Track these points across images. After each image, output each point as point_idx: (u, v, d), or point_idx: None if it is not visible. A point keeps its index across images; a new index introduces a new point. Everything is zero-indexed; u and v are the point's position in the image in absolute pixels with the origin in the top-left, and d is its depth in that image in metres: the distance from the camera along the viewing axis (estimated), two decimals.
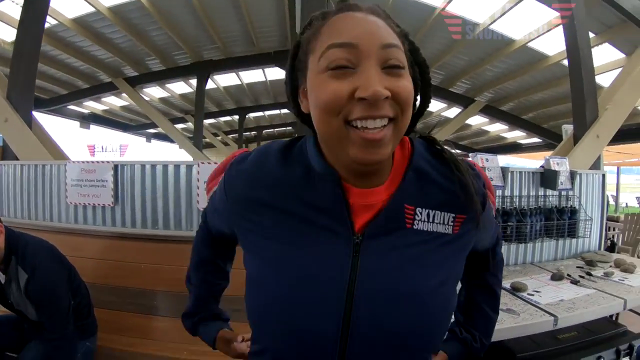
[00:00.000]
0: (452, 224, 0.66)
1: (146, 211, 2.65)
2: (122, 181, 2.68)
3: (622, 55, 5.85)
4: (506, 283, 2.19)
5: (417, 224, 0.64)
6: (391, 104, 0.55)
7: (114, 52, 8.05)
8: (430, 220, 0.65)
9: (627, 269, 2.49)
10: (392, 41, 0.57)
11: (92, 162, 2.72)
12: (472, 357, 0.91)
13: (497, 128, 12.96)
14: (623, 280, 2.30)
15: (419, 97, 0.68)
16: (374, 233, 0.63)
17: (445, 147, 0.70)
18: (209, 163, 2.54)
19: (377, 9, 0.61)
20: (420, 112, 0.70)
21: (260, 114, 14.88)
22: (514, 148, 13.90)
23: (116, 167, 2.67)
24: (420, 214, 0.64)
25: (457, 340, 0.92)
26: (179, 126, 12.85)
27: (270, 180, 0.67)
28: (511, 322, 1.70)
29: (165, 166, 2.62)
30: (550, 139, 9.97)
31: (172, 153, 16.47)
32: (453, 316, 0.81)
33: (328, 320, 0.61)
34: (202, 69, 9.06)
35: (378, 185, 0.65)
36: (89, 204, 2.71)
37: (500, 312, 1.73)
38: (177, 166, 2.61)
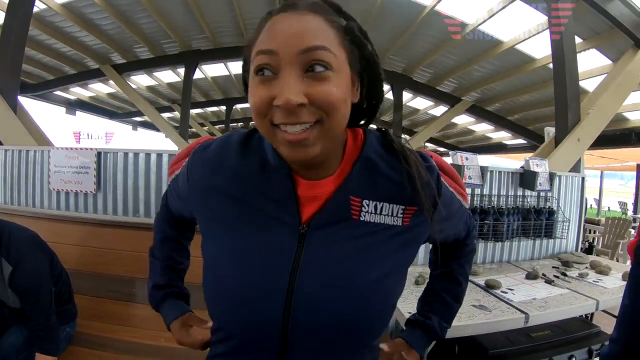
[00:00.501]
0: (401, 216, 0.67)
1: (128, 199, 2.65)
2: (105, 168, 2.67)
3: (608, 62, 5.94)
4: (481, 280, 2.25)
5: (364, 216, 0.66)
6: (311, 109, 0.56)
7: (102, 38, 7.95)
8: (378, 212, 0.66)
9: (602, 271, 2.54)
10: (312, 44, 0.56)
11: (76, 148, 2.70)
12: (431, 340, 0.94)
13: (482, 128, 13.05)
14: (597, 282, 2.34)
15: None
16: (319, 224, 0.66)
17: (399, 138, 0.70)
18: None
19: (318, 6, 0.60)
20: (372, 107, 0.71)
21: (247, 105, 14.70)
22: (499, 148, 14.03)
23: (99, 155, 2.66)
24: (367, 205, 0.66)
25: (415, 326, 0.94)
26: (166, 115, 12.74)
27: (229, 170, 0.69)
28: (482, 317, 1.73)
29: (148, 154, 2.62)
30: (535, 141, 10.06)
31: (158, 142, 16.37)
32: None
33: (272, 306, 0.63)
34: (191, 58, 8.99)
35: (326, 176, 0.67)
36: (71, 190, 2.70)
37: (472, 307, 1.79)
38: (159, 155, 2.62)
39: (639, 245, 1.04)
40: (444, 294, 0.93)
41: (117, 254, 2.36)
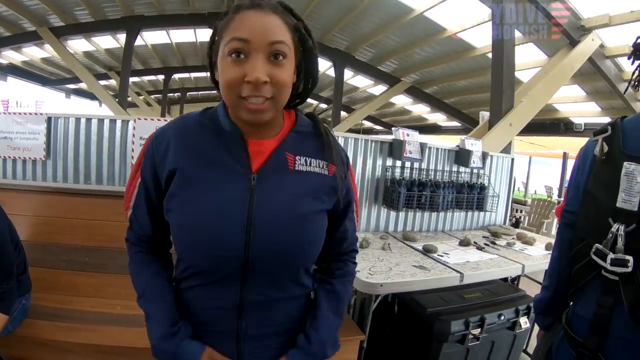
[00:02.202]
0: (326, 168, 0.91)
1: (79, 166, 2.61)
2: (56, 134, 2.60)
3: (544, 56, 6.29)
4: (419, 245, 2.46)
5: (298, 167, 0.88)
6: (270, 87, 0.76)
7: None
8: (308, 164, 0.89)
9: (528, 242, 2.82)
10: (277, 39, 0.76)
11: (25, 113, 2.60)
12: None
13: (419, 109, 13.36)
14: (523, 250, 2.61)
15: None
16: (265, 173, 0.85)
17: (326, 125, 0.97)
18: (145, 119, 2.52)
19: (278, 7, 0.80)
20: (304, 93, 0.94)
21: (186, 75, 14.40)
22: (434, 129, 14.34)
23: (50, 120, 2.58)
24: (299, 160, 0.88)
25: (298, 349, 0.94)
26: (102, 82, 11.95)
27: (192, 137, 0.87)
28: (422, 276, 1.91)
29: (101, 120, 2.58)
30: (469, 124, 10.45)
31: (93, 110, 15.37)
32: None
33: (236, 238, 0.81)
34: (133, 24, 8.46)
35: (269, 138, 0.88)
36: (19, 157, 2.60)
37: (413, 267, 1.99)
38: (113, 121, 2.59)
39: (564, 208, 1.22)
40: (330, 313, 0.97)
41: (69, 223, 2.30)
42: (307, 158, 0.89)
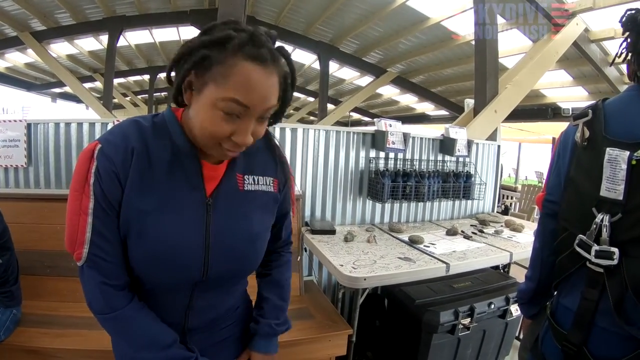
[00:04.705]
0: (272, 184, 0.96)
1: (61, 171, 2.58)
2: (36, 140, 2.58)
3: (528, 42, 6.30)
4: (404, 236, 2.45)
5: (247, 186, 0.92)
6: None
7: (21, 3, 7.18)
8: (256, 182, 0.93)
9: (516, 229, 2.82)
10: (272, 104, 0.78)
11: (4, 121, 2.57)
12: (270, 338, 1.08)
13: (407, 99, 13.40)
14: (511, 237, 2.60)
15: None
16: (218, 196, 0.88)
17: (270, 133, 0.98)
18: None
19: (278, 59, 0.77)
20: (275, 120, 0.92)
21: (172, 74, 14.31)
22: (422, 119, 14.39)
23: (29, 126, 2.56)
24: (248, 179, 0.92)
25: (257, 335, 1.06)
26: (87, 85, 11.84)
27: (149, 154, 0.81)
28: (407, 267, 1.90)
29: (80, 124, 2.54)
30: (457, 112, 10.20)
31: (79, 114, 15.24)
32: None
33: (197, 257, 0.85)
34: (115, 25, 8.37)
35: (220, 162, 0.89)
36: (1, 165, 2.58)
37: (398, 259, 1.98)
38: (92, 124, 2.55)
39: (545, 198, 1.19)
40: (273, 297, 1.10)
41: (52, 229, 2.25)
42: (255, 177, 0.93)
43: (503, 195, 7.94)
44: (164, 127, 0.84)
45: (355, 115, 16.50)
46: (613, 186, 0.93)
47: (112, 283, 0.81)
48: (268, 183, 0.95)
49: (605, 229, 0.93)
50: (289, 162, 1.06)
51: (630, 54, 1.02)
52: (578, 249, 0.98)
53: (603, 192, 0.94)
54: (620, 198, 0.91)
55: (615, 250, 0.91)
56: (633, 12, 1.00)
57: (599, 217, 0.94)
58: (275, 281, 1.12)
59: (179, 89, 0.80)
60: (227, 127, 0.75)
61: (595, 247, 0.94)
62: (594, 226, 0.95)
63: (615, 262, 0.91)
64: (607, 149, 0.94)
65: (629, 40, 1.02)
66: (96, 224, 0.78)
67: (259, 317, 1.06)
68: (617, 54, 1.08)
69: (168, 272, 0.83)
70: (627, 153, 0.90)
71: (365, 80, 11.43)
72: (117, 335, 0.88)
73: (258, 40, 0.74)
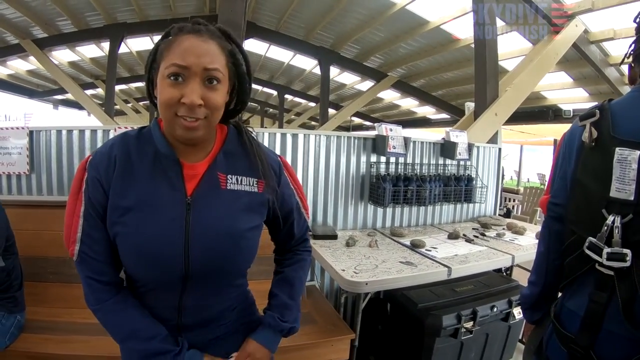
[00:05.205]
0: (256, 185, 0.96)
1: (63, 178, 2.59)
2: (39, 147, 2.59)
3: (528, 44, 6.29)
4: (406, 241, 2.45)
5: (230, 185, 0.94)
6: (203, 109, 0.83)
7: (22, 11, 7.22)
8: (239, 183, 0.95)
9: (518, 231, 2.82)
10: (212, 66, 0.82)
11: (7, 128, 2.59)
12: (275, 333, 1.07)
13: (408, 103, 13.36)
14: (513, 240, 2.59)
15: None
16: (198, 195, 0.90)
17: (249, 132, 1.02)
18: (125, 127, 2.50)
19: (216, 32, 0.88)
20: (237, 110, 1.00)
21: None
22: (423, 122, 14.36)
23: (32, 133, 2.58)
24: (231, 179, 0.94)
25: (260, 325, 1.07)
26: (89, 92, 11.86)
27: (130, 163, 0.89)
28: (409, 272, 1.90)
29: (82, 131, 2.56)
30: (458, 116, 10.12)
31: (81, 120, 15.32)
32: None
33: (176, 255, 0.87)
34: (116, 32, 8.41)
35: (200, 160, 0.93)
36: (3, 172, 2.59)
37: (400, 264, 1.98)
38: (93, 131, 2.57)
39: (550, 201, 1.17)
40: (281, 294, 1.10)
41: (55, 235, 2.26)
42: (238, 177, 0.95)
43: (505, 198, 7.95)
44: (148, 134, 0.93)
45: (357, 120, 16.50)
46: (623, 186, 0.91)
47: (98, 278, 0.91)
48: (251, 184, 0.96)
49: (617, 231, 0.92)
50: (290, 164, 1.09)
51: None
52: (588, 252, 0.97)
53: (613, 193, 0.93)
54: (631, 198, 0.90)
55: (628, 251, 0.90)
56: None
57: (610, 218, 0.93)
58: (285, 278, 1.12)
59: (149, 90, 0.92)
60: (176, 91, 0.81)
61: (607, 250, 0.92)
62: (605, 228, 0.93)
63: (627, 263, 0.89)
64: (617, 148, 0.92)
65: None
66: (85, 226, 0.89)
67: (266, 310, 1.09)
68: (626, 54, 1.07)
69: (152, 269, 0.88)
70: (638, 152, 0.89)
71: (366, 84, 11.43)
72: (104, 326, 0.94)
73: (195, 23, 0.87)
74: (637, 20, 1.02)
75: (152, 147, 0.91)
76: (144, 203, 0.87)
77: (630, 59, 1.05)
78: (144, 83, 0.93)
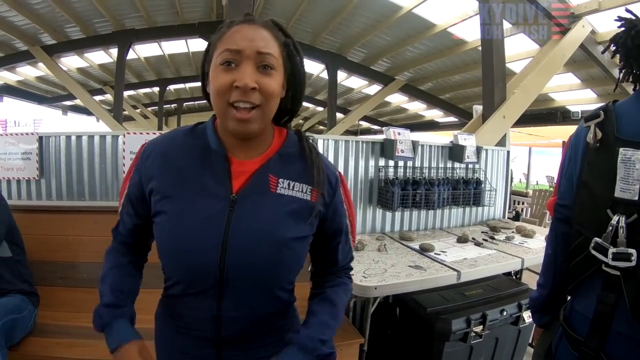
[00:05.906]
0: (309, 193, 0.90)
1: (72, 183, 2.61)
2: (48, 153, 2.61)
3: (535, 46, 6.24)
4: (415, 245, 2.44)
5: (280, 190, 0.88)
6: (257, 94, 0.79)
7: (32, 18, 7.28)
8: (291, 188, 0.89)
9: (527, 234, 2.80)
10: (266, 50, 0.80)
11: (17, 134, 2.62)
12: (307, 354, 0.89)
13: (415, 106, 13.34)
14: (523, 243, 2.58)
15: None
16: (245, 194, 0.86)
17: (309, 140, 0.96)
18: (134, 133, 2.52)
19: (269, 23, 0.85)
20: (293, 108, 0.96)
21: (181, 85, 14.49)
22: (431, 126, 14.35)
23: (41, 139, 2.59)
24: (283, 182, 0.88)
25: (291, 344, 0.90)
26: (98, 98, 11.96)
27: (176, 154, 0.90)
28: (418, 276, 1.90)
29: (91, 137, 2.58)
30: (466, 119, 10.06)
31: (90, 126, 15.39)
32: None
33: (211, 256, 0.84)
34: (124, 38, 8.46)
35: (252, 158, 0.89)
36: (13, 178, 2.62)
37: (409, 268, 1.97)
38: (102, 137, 2.59)
39: (557, 202, 1.17)
40: (322, 313, 0.95)
41: (64, 240, 2.30)
42: (290, 181, 0.89)
43: (514, 201, 7.89)
44: (202, 130, 0.93)
45: (365, 124, 16.49)
46: (627, 186, 0.92)
47: (119, 239, 1.01)
48: (304, 190, 0.89)
49: (621, 231, 0.92)
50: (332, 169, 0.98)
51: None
52: (594, 252, 0.97)
53: (617, 193, 0.93)
54: (636, 198, 0.90)
55: (633, 251, 0.90)
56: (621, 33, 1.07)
57: (615, 218, 0.93)
58: (327, 298, 0.99)
59: (204, 86, 0.90)
60: (228, 77, 0.78)
61: (612, 250, 0.93)
62: (610, 228, 0.94)
63: (633, 263, 0.90)
64: (621, 149, 0.93)
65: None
66: (125, 202, 0.97)
67: (302, 327, 0.92)
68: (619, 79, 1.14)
69: (186, 265, 0.86)
70: None
71: (374, 88, 11.43)
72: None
73: (248, 15, 0.86)
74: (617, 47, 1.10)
75: (201, 142, 0.90)
76: (186, 193, 0.86)
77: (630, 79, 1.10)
78: (199, 82, 0.92)
